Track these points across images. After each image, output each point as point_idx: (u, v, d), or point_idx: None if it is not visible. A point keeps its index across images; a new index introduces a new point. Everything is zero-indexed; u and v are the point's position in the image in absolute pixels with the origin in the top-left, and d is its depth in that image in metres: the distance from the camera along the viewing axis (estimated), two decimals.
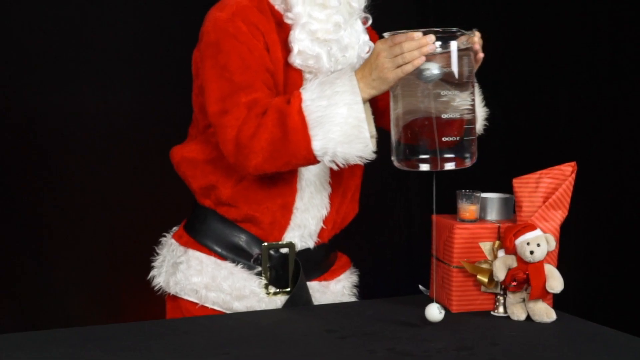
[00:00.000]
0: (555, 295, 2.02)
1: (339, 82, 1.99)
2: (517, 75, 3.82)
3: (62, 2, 3.63)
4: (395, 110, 1.96)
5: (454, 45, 1.90)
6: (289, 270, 2.21)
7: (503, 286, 2.02)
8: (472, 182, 2.37)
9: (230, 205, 2.20)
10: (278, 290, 2.21)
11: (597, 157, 3.63)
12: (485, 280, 2.02)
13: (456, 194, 2.11)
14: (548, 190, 2.02)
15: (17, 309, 3.65)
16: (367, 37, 2.23)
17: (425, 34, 1.89)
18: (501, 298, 2.04)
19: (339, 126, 1.96)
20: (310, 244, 2.25)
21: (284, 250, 2.22)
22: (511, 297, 2.01)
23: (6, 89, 3.58)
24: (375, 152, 2.03)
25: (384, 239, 3.84)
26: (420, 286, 2.25)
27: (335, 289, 2.34)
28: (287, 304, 2.19)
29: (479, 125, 2.26)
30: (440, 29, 1.92)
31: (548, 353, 1.77)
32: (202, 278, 2.20)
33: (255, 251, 2.21)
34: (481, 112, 2.28)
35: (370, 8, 2.26)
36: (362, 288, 2.44)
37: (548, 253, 1.97)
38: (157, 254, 2.33)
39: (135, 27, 3.68)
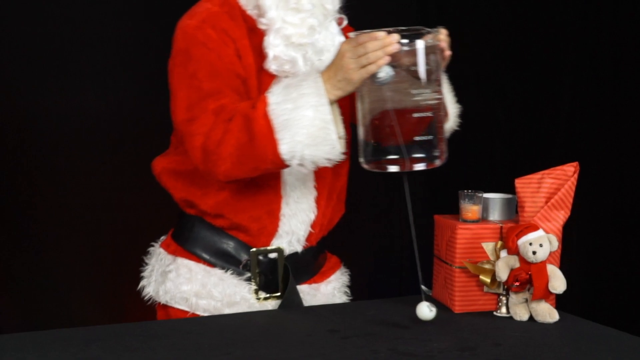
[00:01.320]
0: (557, 296, 2.02)
1: (305, 85, 1.97)
2: (519, 75, 3.82)
3: (60, 1, 3.63)
4: (362, 111, 1.94)
5: (419, 43, 1.88)
6: (278, 275, 2.20)
7: (506, 286, 2.02)
8: (475, 183, 2.37)
9: (215, 215, 2.18)
10: (268, 295, 2.20)
11: (600, 157, 3.63)
12: (488, 280, 2.02)
13: (458, 194, 2.11)
14: (550, 191, 2.02)
15: (19, 309, 3.65)
16: (342, 38, 2.19)
17: (390, 33, 1.88)
18: (504, 298, 2.04)
19: (306, 129, 1.94)
20: (299, 248, 2.23)
21: (273, 255, 2.20)
22: (514, 298, 2.01)
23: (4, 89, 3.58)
24: (345, 153, 2.02)
25: (386, 240, 3.84)
26: (423, 286, 2.24)
27: (325, 291, 2.32)
28: (279, 309, 2.17)
29: (451, 123, 2.24)
30: (405, 28, 1.90)
31: (551, 353, 1.76)
32: (192, 286, 2.18)
33: (244, 257, 2.19)
34: (453, 110, 2.25)
35: (345, 8, 2.22)
36: (365, 288, 2.45)
37: (550, 253, 1.97)
38: (146, 263, 2.31)
39: (135, 26, 3.68)
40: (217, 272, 2.19)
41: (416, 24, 3.77)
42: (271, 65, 2.10)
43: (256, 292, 2.19)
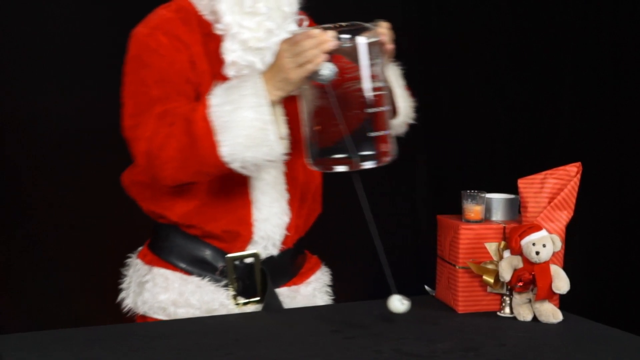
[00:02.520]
0: (561, 296, 2.02)
1: (245, 86, 1.95)
2: (520, 75, 3.82)
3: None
4: (305, 110, 1.92)
5: (358, 39, 1.86)
6: (256, 280, 2.18)
7: (509, 287, 2.02)
8: (477, 183, 2.37)
9: (186, 225, 2.16)
10: (247, 300, 2.18)
11: (601, 157, 3.63)
12: (491, 280, 2.02)
13: (461, 194, 2.11)
14: (553, 191, 2.01)
15: (21, 309, 3.65)
16: None
17: (328, 29, 1.86)
18: (507, 299, 2.04)
19: (245, 130, 1.92)
20: (275, 252, 2.20)
21: (249, 260, 2.18)
22: (517, 298, 2.01)
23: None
24: (288, 154, 2.00)
25: (389, 239, 3.83)
26: (426, 287, 2.25)
27: (305, 292, 2.29)
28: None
29: (402, 118, 2.22)
30: (344, 24, 1.89)
31: (554, 354, 1.76)
32: (169, 295, 2.16)
33: (220, 264, 2.17)
34: (403, 104, 2.22)
35: (308, 9, 2.21)
36: (367, 289, 2.44)
37: (554, 253, 1.97)
38: (124, 275, 2.30)
39: (111, 27, 3.68)
40: (194, 279, 2.16)
41: (417, 25, 3.78)
42: (229, 71, 2.07)
43: (234, 297, 2.17)
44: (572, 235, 2.09)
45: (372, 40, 1.88)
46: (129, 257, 2.30)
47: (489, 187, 2.19)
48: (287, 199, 2.19)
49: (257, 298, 2.18)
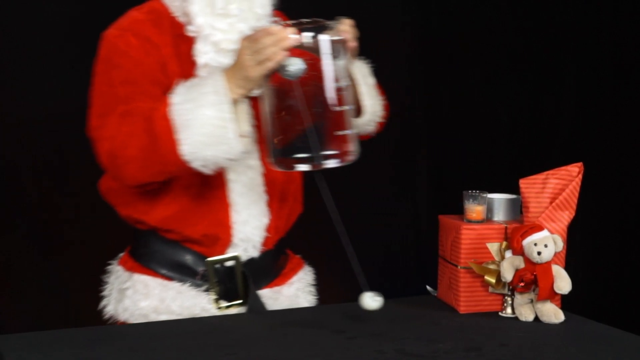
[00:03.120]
0: (563, 296, 2.02)
1: (206, 83, 1.93)
2: (522, 76, 3.82)
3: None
4: (266, 108, 1.90)
5: (318, 37, 1.84)
6: (237, 283, 2.15)
7: (511, 287, 2.02)
8: (478, 183, 2.37)
9: (165, 230, 2.14)
10: (230, 304, 2.15)
11: (602, 157, 3.63)
12: (493, 281, 2.02)
13: (463, 194, 2.11)
14: (555, 191, 2.01)
15: (23, 309, 3.65)
16: None
17: (291, 26, 1.85)
18: (509, 299, 2.04)
19: (205, 128, 1.90)
20: (255, 253, 2.17)
21: (230, 264, 2.15)
22: (519, 298, 2.01)
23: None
24: (247, 152, 1.98)
25: (391, 240, 3.84)
26: (428, 287, 2.24)
27: (288, 293, 2.27)
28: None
29: (368, 116, 2.18)
30: (307, 20, 1.87)
31: (556, 354, 1.76)
32: (149, 302, 2.13)
33: (201, 268, 2.15)
34: (370, 102, 2.18)
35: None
36: (369, 289, 2.42)
37: (555, 254, 1.97)
38: (106, 282, 2.27)
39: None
40: (175, 285, 2.14)
41: (417, 25, 3.78)
42: (202, 73, 2.05)
43: (216, 301, 2.14)
44: (574, 235, 2.09)
45: (333, 38, 1.86)
46: (110, 264, 2.28)
47: (491, 187, 2.19)
48: (266, 201, 2.17)
49: (240, 301, 2.16)
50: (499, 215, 2.13)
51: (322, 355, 1.73)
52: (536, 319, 1.99)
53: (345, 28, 1.93)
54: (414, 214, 3.85)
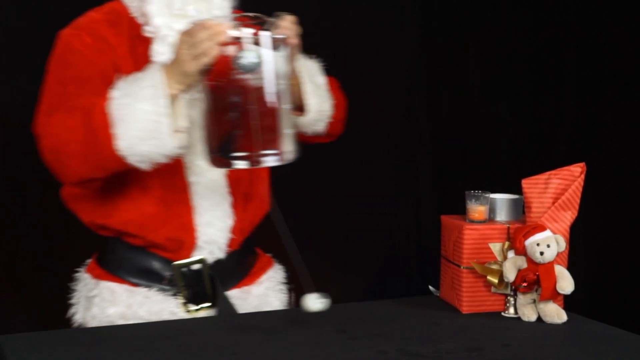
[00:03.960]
0: (565, 296, 2.02)
1: (144, 78, 1.90)
2: (523, 75, 3.82)
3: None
4: (204, 105, 1.86)
5: (253, 31, 1.80)
6: (205, 286, 2.13)
7: (513, 287, 2.02)
8: (480, 183, 2.37)
9: (129, 235, 2.12)
10: (199, 307, 2.13)
11: (604, 157, 3.63)
12: (496, 281, 2.02)
13: (465, 194, 2.10)
14: (557, 191, 2.01)
15: (26, 309, 3.65)
16: None
17: (227, 20, 1.82)
18: (511, 299, 2.04)
19: (140, 122, 1.87)
20: (221, 255, 2.15)
21: (196, 267, 2.13)
22: (521, 298, 2.01)
23: None
24: (185, 148, 1.94)
25: (393, 240, 3.84)
26: (431, 287, 2.24)
27: (258, 292, 2.24)
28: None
29: (312, 117, 2.13)
30: (249, 14, 1.85)
31: (559, 354, 1.76)
32: (117, 308, 2.11)
33: (167, 273, 2.12)
34: (315, 101, 2.12)
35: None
36: (372, 289, 2.43)
37: (558, 254, 1.97)
38: (74, 290, 2.25)
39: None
40: (142, 291, 2.12)
41: (419, 26, 3.78)
42: None
43: (185, 305, 2.12)
44: (576, 235, 2.09)
45: (271, 34, 1.82)
46: (77, 272, 2.26)
47: (493, 187, 2.19)
48: (230, 202, 2.15)
49: (209, 304, 2.14)
50: (502, 216, 2.13)
51: (324, 356, 1.73)
52: (539, 319, 1.99)
53: (286, 25, 1.89)
54: (416, 214, 3.85)
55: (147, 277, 2.13)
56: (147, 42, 2.06)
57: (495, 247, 2.06)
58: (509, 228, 2.06)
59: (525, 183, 2.03)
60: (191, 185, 2.10)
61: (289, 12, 2.87)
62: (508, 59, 3.81)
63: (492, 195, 2.13)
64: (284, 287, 2.34)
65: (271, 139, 1.84)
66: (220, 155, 1.85)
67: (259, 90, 1.81)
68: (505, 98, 3.84)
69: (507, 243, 2.05)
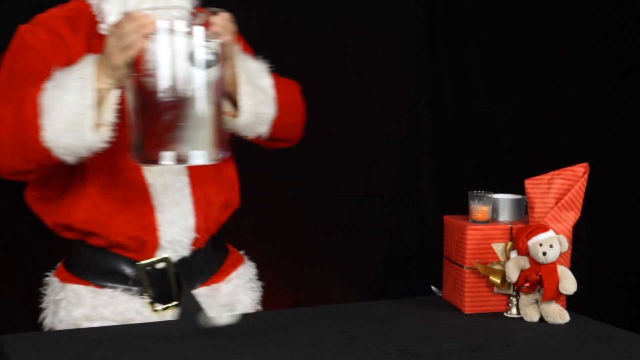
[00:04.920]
0: (568, 297, 2.02)
1: (75, 69, 1.88)
2: (526, 75, 3.82)
3: None
4: (131, 101, 1.83)
5: (183, 26, 1.76)
6: (170, 285, 2.12)
7: (516, 287, 2.02)
8: (483, 183, 2.37)
9: (91, 235, 2.11)
10: (166, 306, 2.12)
11: (608, 157, 3.62)
12: (498, 281, 2.02)
13: (468, 194, 2.10)
14: (560, 191, 2.01)
15: (29, 309, 3.66)
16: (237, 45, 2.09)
17: (157, 12, 1.79)
18: (514, 299, 2.04)
19: (65, 114, 1.85)
20: (186, 253, 2.13)
21: (160, 266, 2.11)
22: (524, 299, 2.00)
23: None
24: (111, 142, 1.91)
25: (396, 240, 3.84)
26: (433, 287, 2.24)
27: (227, 290, 2.22)
28: (178, 319, 2.09)
29: (246, 119, 2.06)
30: (180, 7, 1.83)
31: (561, 354, 1.76)
32: (82, 310, 2.09)
33: (132, 273, 2.11)
34: (247, 104, 2.05)
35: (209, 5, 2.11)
36: (374, 289, 2.43)
37: (561, 254, 1.97)
38: (44, 294, 2.23)
39: None
40: (107, 292, 2.10)
41: (423, 27, 3.78)
42: None
43: (152, 305, 2.11)
44: (579, 235, 2.09)
45: (202, 29, 1.79)
46: (47, 276, 2.24)
47: (496, 187, 2.19)
48: (192, 201, 2.13)
49: (175, 303, 2.12)
50: (504, 216, 2.13)
51: (326, 355, 1.73)
52: (541, 319, 1.99)
53: (219, 21, 1.86)
54: (419, 214, 3.84)
55: (112, 278, 2.12)
56: (103, 40, 2.01)
57: (498, 248, 2.05)
58: (511, 228, 2.06)
59: (528, 183, 2.03)
60: (152, 185, 2.08)
61: (291, 11, 2.87)
62: (511, 59, 3.81)
63: (495, 196, 2.13)
64: (255, 284, 2.32)
65: (198, 138, 1.81)
66: (146, 152, 1.82)
67: (186, 86, 1.78)
68: (508, 98, 3.83)
69: (509, 243, 2.04)
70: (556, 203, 2.00)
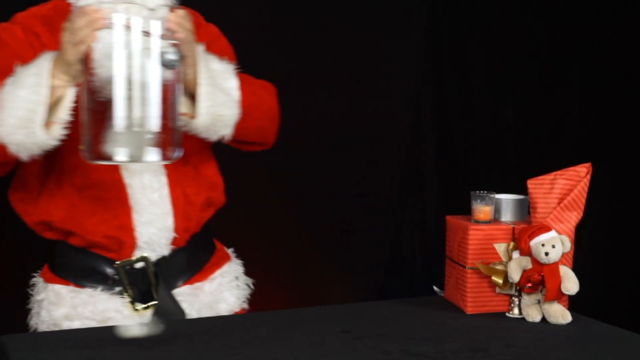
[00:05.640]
0: (570, 297, 2.02)
1: (32, 65, 1.87)
2: (529, 75, 3.81)
3: None
4: (83, 98, 1.82)
5: (131, 21, 1.72)
6: (150, 284, 2.11)
7: (518, 288, 2.01)
8: (487, 183, 2.36)
9: (71, 234, 2.10)
10: (147, 305, 2.11)
11: (613, 158, 3.62)
12: (500, 281, 2.02)
13: (470, 195, 2.10)
14: (563, 192, 2.01)
15: (30, 309, 3.65)
16: (202, 46, 2.06)
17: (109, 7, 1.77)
18: (516, 299, 2.03)
19: (18, 110, 1.84)
20: (165, 252, 2.13)
21: (139, 265, 2.10)
22: (526, 299, 2.00)
23: None
24: (64, 140, 1.89)
25: (398, 240, 3.84)
26: (435, 287, 2.24)
27: (210, 289, 2.21)
28: (152, 319, 2.04)
29: (204, 120, 2.02)
30: (139, 3, 1.81)
31: (563, 355, 1.76)
32: (62, 310, 2.09)
33: (111, 272, 2.10)
34: (204, 106, 2.00)
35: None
36: (376, 289, 2.42)
37: (563, 254, 1.97)
38: (31, 295, 2.24)
39: None
40: (87, 291, 2.11)
41: (426, 27, 3.77)
42: None
43: (132, 304, 2.10)
44: (582, 236, 2.08)
45: (155, 25, 1.75)
46: (34, 277, 2.24)
47: (498, 187, 2.18)
48: (170, 201, 2.11)
49: (156, 302, 2.10)
50: (507, 216, 2.12)
51: (327, 356, 1.73)
52: (543, 319, 1.99)
53: (174, 18, 1.83)
54: (421, 214, 3.84)
55: (93, 278, 2.11)
56: None
57: (500, 248, 2.05)
58: (514, 228, 2.05)
59: (531, 183, 2.03)
60: (129, 185, 2.07)
61: (293, 12, 2.86)
62: (513, 58, 3.80)
63: (498, 196, 2.12)
64: (241, 283, 2.30)
65: (148, 137, 1.78)
66: (97, 149, 1.80)
67: (137, 85, 1.75)
68: (511, 98, 3.83)
69: (512, 243, 2.04)
70: (559, 203, 2.00)
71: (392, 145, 3.73)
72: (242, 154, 2.32)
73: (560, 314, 1.97)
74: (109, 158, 1.79)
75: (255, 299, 2.35)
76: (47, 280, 2.17)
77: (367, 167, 3.67)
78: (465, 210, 2.13)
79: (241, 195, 3.24)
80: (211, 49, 2.11)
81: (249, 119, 2.11)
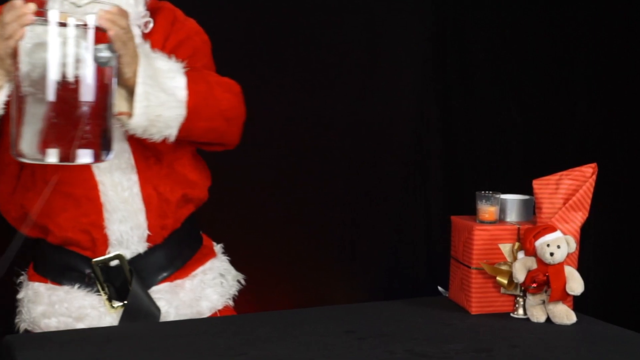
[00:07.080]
0: (575, 297, 2.01)
1: None
2: (534, 75, 3.81)
3: None
4: (14, 95, 1.79)
5: (53, 17, 1.70)
6: (127, 282, 2.09)
7: (523, 288, 2.01)
8: (492, 183, 2.36)
9: (47, 231, 2.10)
10: (123, 303, 2.09)
11: (618, 158, 3.61)
12: (505, 282, 2.01)
13: (476, 195, 2.10)
14: (568, 192, 2.01)
15: None
16: (147, 44, 2.04)
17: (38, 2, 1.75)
18: (521, 300, 2.03)
19: None
20: (140, 249, 2.11)
21: (114, 263, 2.09)
22: (531, 299, 2.00)
23: None
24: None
25: (403, 240, 3.84)
26: (440, 287, 2.24)
27: (191, 286, 2.18)
28: (123, 318, 2.07)
29: (140, 121, 1.94)
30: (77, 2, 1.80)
31: (567, 355, 1.76)
32: (40, 307, 2.10)
33: (87, 270, 2.09)
34: (139, 106, 1.93)
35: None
36: (380, 289, 2.41)
37: (568, 255, 1.96)
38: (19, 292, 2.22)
39: None
40: (64, 288, 2.11)
41: (431, 26, 3.77)
42: None
43: (109, 301, 2.09)
44: (587, 236, 2.08)
45: (83, 21, 1.72)
46: (21, 275, 2.23)
47: (504, 187, 2.18)
48: (142, 199, 2.10)
49: (127, 300, 2.09)
50: (512, 216, 2.12)
51: (333, 356, 1.73)
52: (548, 320, 1.98)
53: (106, 15, 1.78)
54: (426, 214, 3.84)
55: (70, 275, 2.11)
56: None
57: (505, 248, 2.05)
58: (519, 229, 2.05)
59: (536, 183, 2.03)
60: (101, 182, 2.07)
61: (298, 13, 2.85)
62: (518, 59, 3.80)
63: (503, 196, 2.12)
64: (225, 280, 2.26)
65: (83, 135, 1.76)
66: (27, 148, 1.77)
67: (66, 84, 1.73)
68: (516, 98, 3.82)
69: (517, 244, 2.04)
70: (564, 203, 2.00)
71: (396, 145, 3.72)
72: (244, 154, 2.32)
73: (565, 315, 1.96)
74: (32, 157, 1.77)
75: (259, 299, 2.34)
76: (30, 279, 2.18)
77: (372, 167, 3.66)
78: (471, 211, 2.12)
79: (247, 195, 3.25)
80: (184, 45, 2.10)
81: (197, 119, 2.03)
